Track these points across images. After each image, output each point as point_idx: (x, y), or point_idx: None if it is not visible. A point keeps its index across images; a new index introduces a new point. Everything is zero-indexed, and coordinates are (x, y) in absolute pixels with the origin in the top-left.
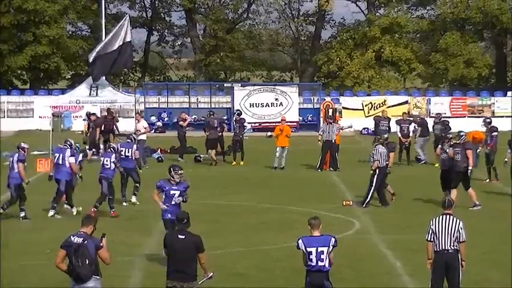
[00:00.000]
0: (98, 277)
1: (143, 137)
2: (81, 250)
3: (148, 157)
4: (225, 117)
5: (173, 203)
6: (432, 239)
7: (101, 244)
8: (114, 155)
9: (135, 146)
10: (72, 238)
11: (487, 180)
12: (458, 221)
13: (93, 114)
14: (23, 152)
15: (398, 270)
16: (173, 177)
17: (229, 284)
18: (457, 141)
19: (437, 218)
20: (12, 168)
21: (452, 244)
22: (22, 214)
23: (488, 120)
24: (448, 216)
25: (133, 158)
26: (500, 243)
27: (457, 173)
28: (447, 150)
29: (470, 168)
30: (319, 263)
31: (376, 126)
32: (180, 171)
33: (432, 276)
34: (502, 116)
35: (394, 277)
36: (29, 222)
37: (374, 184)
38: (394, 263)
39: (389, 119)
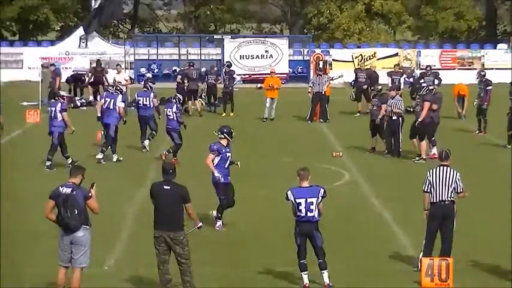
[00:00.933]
0: (87, 227)
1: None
2: (70, 200)
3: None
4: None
5: (226, 165)
6: (429, 190)
7: (90, 194)
8: (175, 106)
9: (152, 95)
10: (61, 189)
11: (477, 132)
12: (455, 172)
13: (52, 65)
14: (63, 101)
15: (386, 219)
16: (230, 139)
17: (219, 233)
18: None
19: (434, 169)
20: (54, 117)
21: (449, 195)
22: (69, 161)
23: (482, 73)
24: (445, 167)
25: (152, 106)
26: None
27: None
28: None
29: (419, 120)
30: (309, 214)
31: (355, 78)
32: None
33: (428, 226)
34: (492, 68)
35: (383, 226)
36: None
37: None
38: (382, 212)
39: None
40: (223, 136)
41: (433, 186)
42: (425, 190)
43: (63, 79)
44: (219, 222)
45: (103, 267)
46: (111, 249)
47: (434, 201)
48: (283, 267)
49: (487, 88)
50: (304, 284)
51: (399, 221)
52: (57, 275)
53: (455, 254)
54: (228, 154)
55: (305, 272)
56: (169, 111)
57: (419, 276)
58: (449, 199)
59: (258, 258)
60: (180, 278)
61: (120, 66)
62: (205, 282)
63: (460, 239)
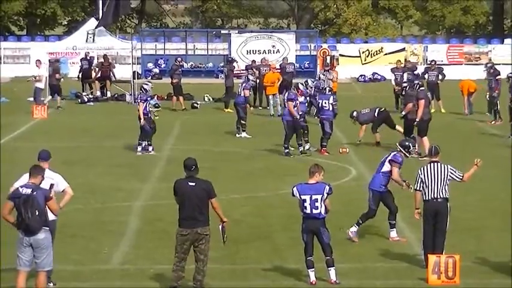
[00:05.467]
0: (47, 228)
1: (40, 85)
2: (31, 201)
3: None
4: (221, 64)
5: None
6: (421, 188)
7: (50, 195)
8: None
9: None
10: (21, 189)
11: (493, 122)
12: (446, 166)
13: (57, 61)
14: (293, 92)
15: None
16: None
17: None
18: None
19: (425, 167)
20: (284, 106)
21: (441, 193)
22: (150, 148)
23: (489, 64)
24: (436, 164)
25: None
26: (498, 190)
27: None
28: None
29: (417, 119)
30: (314, 211)
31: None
32: None
33: (424, 225)
34: (499, 64)
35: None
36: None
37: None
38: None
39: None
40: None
41: (425, 184)
42: (417, 188)
43: (73, 74)
44: None
45: (108, 263)
46: (116, 245)
47: (427, 198)
48: (290, 264)
49: (497, 78)
50: (311, 281)
51: (406, 218)
52: (17, 280)
53: (461, 252)
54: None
55: (312, 269)
56: (325, 103)
57: (426, 273)
58: (442, 196)
59: (265, 255)
60: (192, 276)
61: (40, 62)
62: (212, 280)
63: (463, 236)
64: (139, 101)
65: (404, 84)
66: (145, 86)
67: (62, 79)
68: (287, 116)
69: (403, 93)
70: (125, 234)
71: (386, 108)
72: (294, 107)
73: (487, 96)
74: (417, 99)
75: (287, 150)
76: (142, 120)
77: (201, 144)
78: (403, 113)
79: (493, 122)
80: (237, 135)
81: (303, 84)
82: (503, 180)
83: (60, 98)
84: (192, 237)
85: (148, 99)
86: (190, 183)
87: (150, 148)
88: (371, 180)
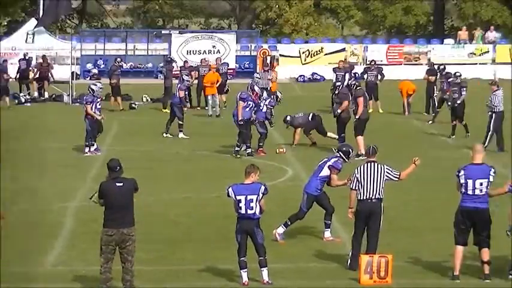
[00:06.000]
0: None
1: None
2: None
3: None
4: (161, 64)
5: None
6: (356, 188)
7: None
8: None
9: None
10: None
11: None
12: (383, 166)
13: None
14: (245, 92)
15: None
16: None
17: (162, 231)
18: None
19: (362, 166)
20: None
21: (376, 193)
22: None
23: (442, 67)
24: (372, 163)
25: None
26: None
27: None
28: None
29: (356, 117)
30: (249, 211)
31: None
32: None
33: (355, 224)
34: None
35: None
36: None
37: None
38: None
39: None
40: None
41: (361, 184)
42: (353, 188)
43: (11, 75)
44: None
45: (41, 264)
46: (50, 246)
47: (362, 198)
48: (224, 264)
49: (449, 80)
50: (243, 281)
51: (341, 218)
52: None
53: (395, 251)
54: None
55: (244, 270)
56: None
57: (358, 273)
58: (376, 197)
59: (200, 256)
60: (121, 277)
61: None
62: (143, 281)
63: (398, 235)
64: (84, 102)
65: (338, 83)
66: (93, 87)
67: (11, 79)
68: (237, 116)
69: (336, 92)
70: (59, 236)
71: (320, 114)
72: (245, 107)
73: (435, 95)
74: (355, 98)
75: (237, 149)
76: (97, 116)
77: (138, 145)
78: (338, 111)
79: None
80: (164, 134)
81: (258, 86)
82: (440, 181)
83: (8, 99)
84: (117, 237)
85: (95, 100)
86: (118, 184)
87: (93, 148)
88: (307, 183)
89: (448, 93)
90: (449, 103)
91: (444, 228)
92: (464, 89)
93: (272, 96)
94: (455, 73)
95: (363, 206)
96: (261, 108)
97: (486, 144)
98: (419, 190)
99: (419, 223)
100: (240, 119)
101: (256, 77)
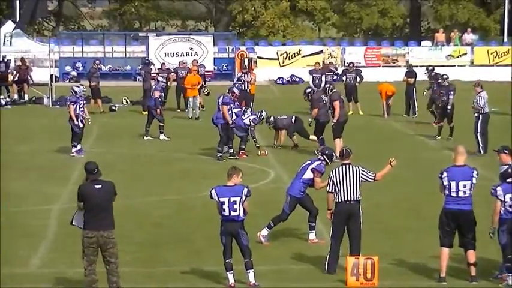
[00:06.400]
0: None
1: None
2: None
3: None
4: (139, 67)
5: None
6: (333, 190)
7: None
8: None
9: None
10: None
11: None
12: (358, 168)
13: None
14: (228, 96)
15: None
16: None
17: (144, 233)
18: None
19: (337, 169)
20: (218, 109)
21: (353, 195)
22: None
23: (431, 68)
24: (347, 166)
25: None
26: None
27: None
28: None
29: (334, 120)
30: (232, 213)
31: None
32: None
33: (333, 226)
34: (417, 66)
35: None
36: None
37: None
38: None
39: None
40: None
41: (337, 187)
42: (329, 191)
43: None
44: None
45: (25, 267)
46: (35, 248)
47: (339, 200)
48: (209, 266)
49: (439, 81)
50: (230, 283)
51: (324, 220)
52: None
53: (377, 253)
54: None
55: (231, 272)
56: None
57: (345, 275)
58: (354, 199)
59: (184, 258)
60: (106, 279)
61: None
62: (129, 283)
63: (383, 237)
64: (68, 103)
65: (308, 90)
66: (75, 88)
67: None
68: (221, 119)
69: (308, 98)
70: (44, 238)
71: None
72: (229, 110)
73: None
74: (331, 102)
75: (220, 154)
76: (75, 121)
77: (119, 147)
78: (309, 119)
79: (434, 123)
80: (145, 137)
81: (238, 89)
82: (419, 181)
83: None
84: (98, 240)
85: (78, 101)
86: (97, 186)
87: (77, 148)
88: (290, 186)
89: (437, 95)
90: (439, 104)
91: (422, 228)
92: (452, 92)
93: (257, 114)
94: (442, 75)
95: (341, 208)
96: (243, 118)
97: (483, 151)
98: (397, 191)
99: (398, 224)
100: (230, 122)
101: (239, 83)
